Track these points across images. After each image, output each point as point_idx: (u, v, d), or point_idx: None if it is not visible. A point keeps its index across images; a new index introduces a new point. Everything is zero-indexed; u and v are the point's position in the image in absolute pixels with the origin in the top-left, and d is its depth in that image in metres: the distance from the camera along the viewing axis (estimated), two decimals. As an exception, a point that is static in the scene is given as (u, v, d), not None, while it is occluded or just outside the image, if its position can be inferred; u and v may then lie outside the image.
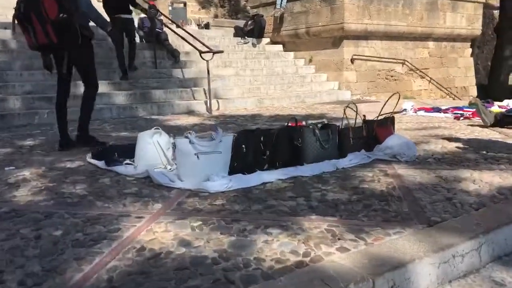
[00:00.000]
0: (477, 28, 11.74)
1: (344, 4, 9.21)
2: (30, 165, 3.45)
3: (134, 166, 3.14)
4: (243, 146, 3.04)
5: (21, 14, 3.62)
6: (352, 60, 9.65)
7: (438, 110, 6.54)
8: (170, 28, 8.88)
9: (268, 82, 9.03)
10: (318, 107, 7.98)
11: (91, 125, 4.34)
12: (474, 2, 11.52)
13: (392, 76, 10.32)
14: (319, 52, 10.11)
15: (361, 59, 9.78)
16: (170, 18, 9.54)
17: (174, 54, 8.62)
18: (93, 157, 3.53)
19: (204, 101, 7.51)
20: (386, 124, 3.84)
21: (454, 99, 11.45)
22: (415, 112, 6.53)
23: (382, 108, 3.95)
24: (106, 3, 7.64)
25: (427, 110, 6.59)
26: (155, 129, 3.21)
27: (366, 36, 9.83)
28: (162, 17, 9.41)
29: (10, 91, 6.44)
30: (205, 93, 7.79)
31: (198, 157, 2.83)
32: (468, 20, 11.44)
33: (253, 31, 10.74)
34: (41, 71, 7.04)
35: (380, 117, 3.85)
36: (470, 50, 11.97)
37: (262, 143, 3.14)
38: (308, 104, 8.43)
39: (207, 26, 13.08)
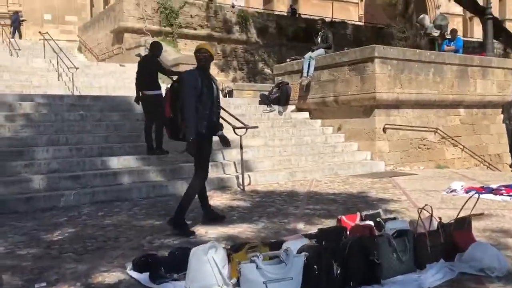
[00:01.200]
0: (508, 94, 11.44)
1: (376, 74, 9.00)
2: (63, 278, 3.02)
3: (186, 287, 2.70)
4: (315, 267, 2.60)
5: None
6: (384, 130, 9.30)
7: (490, 190, 6.07)
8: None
9: (298, 153, 8.67)
10: (355, 181, 7.55)
11: (120, 209, 3.95)
12: (504, 68, 11.30)
13: (424, 145, 9.93)
14: (348, 121, 9.82)
15: (393, 128, 9.44)
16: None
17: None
18: (134, 268, 3.10)
19: (235, 175, 7.14)
20: (464, 228, 3.38)
21: (488, 167, 10.98)
22: (466, 193, 6.04)
23: (460, 210, 3.49)
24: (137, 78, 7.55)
25: (478, 190, 6.10)
26: (210, 244, 2.78)
27: (397, 105, 9.54)
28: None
29: (36, 169, 6.13)
30: (235, 166, 7.44)
31: (266, 286, 2.38)
32: (498, 86, 11.17)
33: (278, 99, 10.56)
34: (67, 147, 6.82)
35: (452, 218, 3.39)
36: (501, 116, 11.62)
37: (334, 259, 2.70)
38: (343, 177, 8.01)
39: (230, 94, 12.98)
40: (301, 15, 26.76)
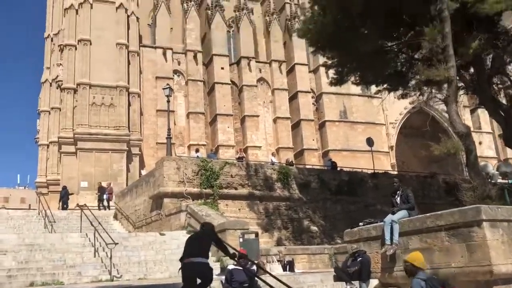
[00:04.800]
0: None
1: (487, 241, 7.26)
2: None
3: None
4: None
5: None
6: (509, 313, 7.19)
7: None
8: (264, 281, 6.96)
9: None
10: None
11: None
12: None
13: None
14: (455, 301, 7.74)
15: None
16: (262, 267, 7.71)
17: (279, 321, 6.48)
18: None
19: None
20: None
21: None
22: None
23: None
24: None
25: None
26: None
27: (517, 278, 7.56)
28: (254, 267, 7.64)
29: None
30: None
31: None
32: None
33: (359, 273, 8.71)
34: None
35: None
36: None
37: None
38: None
39: (291, 266, 11.19)
40: (341, 168, 25.98)
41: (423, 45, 14.95)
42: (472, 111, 44.59)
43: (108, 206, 24.51)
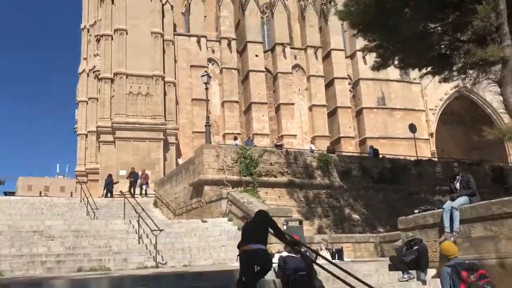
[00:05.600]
0: None
1: None
2: None
3: None
4: None
5: None
6: None
7: None
8: (326, 269, 6.64)
9: None
10: None
11: None
12: None
13: None
14: (525, 293, 7.24)
15: None
16: (321, 255, 7.38)
17: (339, 312, 6.15)
18: None
19: None
20: None
21: None
22: None
23: None
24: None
25: None
26: None
27: None
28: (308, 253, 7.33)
29: None
30: None
31: None
32: None
33: (416, 262, 8.26)
34: None
35: None
36: None
37: None
38: None
39: (340, 254, 10.83)
40: (383, 155, 25.29)
41: (474, 24, 14.14)
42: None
43: (146, 194, 24.58)
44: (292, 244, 6.95)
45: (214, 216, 15.85)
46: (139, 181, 24.91)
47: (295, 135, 35.67)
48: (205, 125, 20.24)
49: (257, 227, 6.24)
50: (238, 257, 6.03)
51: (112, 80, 30.90)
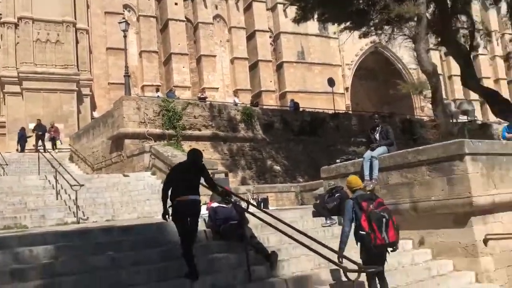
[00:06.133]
0: None
1: (468, 174, 7.37)
2: None
3: None
4: None
5: None
6: (485, 242, 7.48)
7: None
8: (258, 217, 6.78)
9: (393, 282, 6.66)
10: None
11: None
12: None
13: (527, 255, 8.07)
14: (433, 232, 7.99)
15: (493, 239, 7.61)
16: (252, 203, 7.49)
17: (270, 258, 6.34)
18: None
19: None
20: None
21: None
22: None
23: None
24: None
25: None
26: None
27: (491, 209, 7.83)
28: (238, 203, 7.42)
29: None
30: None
31: None
32: None
33: (339, 208, 8.72)
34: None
35: None
36: None
37: None
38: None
39: (265, 203, 11.12)
40: (303, 108, 25.95)
41: (391, -19, 14.62)
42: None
43: (56, 148, 22.71)
44: (224, 194, 6.97)
45: (136, 171, 15.47)
46: (47, 134, 22.94)
47: (217, 88, 35.30)
48: (124, 76, 19.32)
49: (190, 174, 6.06)
50: (173, 208, 5.86)
51: (16, 25, 28.12)
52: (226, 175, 13.35)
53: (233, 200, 7.06)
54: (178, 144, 17.03)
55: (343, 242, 5.79)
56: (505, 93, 40.49)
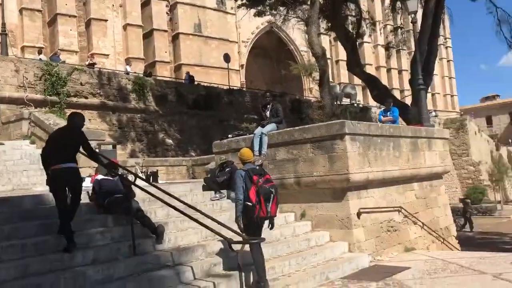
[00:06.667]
0: (448, 164, 11.36)
1: (347, 152, 7.96)
2: None
3: None
4: None
5: None
6: (358, 215, 8.18)
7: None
8: (146, 190, 6.64)
9: (276, 254, 7.05)
10: (363, 291, 6.11)
11: None
12: (442, 138, 11.26)
13: (392, 227, 9.02)
14: (314, 206, 8.53)
15: (366, 212, 8.37)
16: (140, 176, 7.28)
17: (156, 231, 6.28)
18: None
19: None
20: None
21: (442, 242, 10.47)
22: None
23: None
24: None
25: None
26: None
27: (365, 185, 8.57)
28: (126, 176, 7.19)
29: None
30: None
31: None
32: (440, 157, 11.01)
33: (229, 182, 8.88)
34: None
35: None
36: (444, 187, 11.43)
37: None
38: (339, 285, 6.52)
39: (154, 177, 10.91)
40: (198, 82, 25.72)
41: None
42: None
43: None
44: (109, 166, 6.68)
45: (13, 139, 14.19)
46: None
47: (108, 55, 33.39)
48: (1, 34, 17.39)
49: (68, 141, 5.70)
50: (49, 177, 5.49)
51: None
52: (114, 147, 12.83)
53: (119, 173, 6.81)
54: (61, 112, 15.89)
55: (239, 211, 5.84)
56: (384, 80, 44.10)
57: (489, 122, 78.45)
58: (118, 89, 18.55)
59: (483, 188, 41.29)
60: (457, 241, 11.40)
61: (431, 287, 6.08)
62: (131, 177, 6.78)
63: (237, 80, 40.18)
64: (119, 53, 34.69)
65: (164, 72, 34.76)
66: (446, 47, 66.10)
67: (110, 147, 12.61)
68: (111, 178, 6.93)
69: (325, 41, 43.35)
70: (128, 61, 31.75)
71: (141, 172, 11.31)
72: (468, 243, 16.22)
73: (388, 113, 11.46)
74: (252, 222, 5.81)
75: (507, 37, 17.90)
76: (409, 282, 6.39)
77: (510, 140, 68.07)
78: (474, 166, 44.22)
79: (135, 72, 24.12)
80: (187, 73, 28.52)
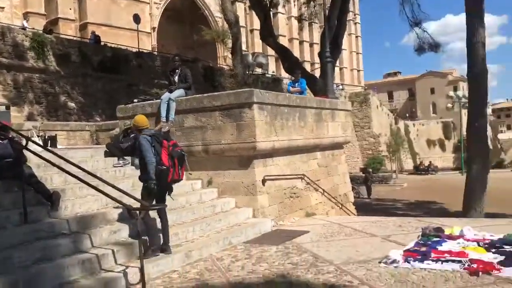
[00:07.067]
0: (349, 135, 11.98)
1: (255, 121, 8.04)
2: None
3: None
4: None
5: None
6: (263, 182, 8.38)
7: (429, 252, 5.63)
8: (38, 154, 6.19)
9: (180, 220, 7.02)
10: (260, 253, 6.30)
11: None
12: (345, 110, 11.81)
13: (295, 193, 9.39)
14: (221, 173, 8.58)
15: (271, 180, 8.59)
16: (33, 140, 6.74)
17: (51, 198, 5.92)
18: None
19: (122, 270, 5.12)
20: None
21: (341, 208, 11.15)
22: (406, 262, 5.45)
23: None
24: None
25: (414, 256, 5.60)
26: None
27: (271, 153, 8.77)
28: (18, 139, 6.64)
29: None
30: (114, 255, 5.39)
31: None
32: (342, 128, 11.57)
33: (133, 148, 8.58)
34: None
35: None
36: (344, 156, 12.07)
37: None
38: (241, 248, 6.68)
39: (53, 141, 10.22)
40: (105, 43, 24.29)
41: None
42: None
43: None
44: (-3, 129, 6.12)
45: None
46: None
47: (3, 8, 30.34)
48: None
49: None
50: None
51: None
52: (8, 108, 11.81)
53: (10, 136, 6.26)
54: None
55: (153, 174, 5.63)
56: (296, 52, 45.02)
57: (390, 97, 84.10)
58: (13, 45, 16.97)
59: (381, 158, 44.52)
60: (354, 206, 12.19)
61: (326, 248, 6.44)
62: (24, 141, 6.27)
63: (148, 44, 38.68)
64: (16, 7, 31.67)
65: (68, 31, 32.38)
66: (355, 23, 69.00)
67: (3, 108, 11.57)
68: (0, 142, 6.37)
69: (240, 8, 43.11)
70: (26, 15, 29.12)
71: (38, 136, 10.53)
72: (364, 208, 17.49)
73: (297, 84, 11.72)
74: (161, 186, 5.71)
75: (409, 17, 18.97)
76: (307, 245, 6.71)
77: (407, 115, 73.76)
78: (375, 138, 47.41)
79: (33, 28, 22.16)
80: (93, 32, 26.83)
